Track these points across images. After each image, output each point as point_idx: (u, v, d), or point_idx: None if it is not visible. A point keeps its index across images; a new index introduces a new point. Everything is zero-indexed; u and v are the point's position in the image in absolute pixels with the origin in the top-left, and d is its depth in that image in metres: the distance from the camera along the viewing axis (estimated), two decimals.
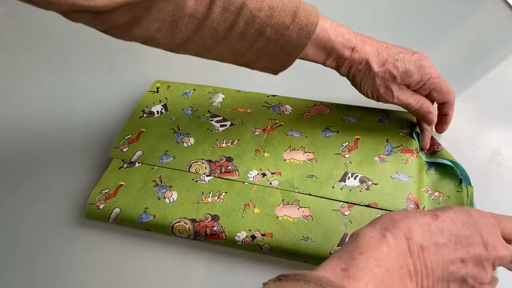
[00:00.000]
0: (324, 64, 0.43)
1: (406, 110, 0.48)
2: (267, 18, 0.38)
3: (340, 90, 0.48)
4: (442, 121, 0.45)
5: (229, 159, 0.46)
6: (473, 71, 0.55)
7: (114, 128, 0.52)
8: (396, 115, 0.48)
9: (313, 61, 0.42)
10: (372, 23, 0.63)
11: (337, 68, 0.43)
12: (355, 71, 0.42)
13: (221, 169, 0.45)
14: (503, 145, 0.47)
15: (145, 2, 0.34)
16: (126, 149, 0.48)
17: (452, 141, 0.47)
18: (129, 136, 0.49)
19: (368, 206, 0.40)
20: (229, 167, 0.45)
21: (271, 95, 0.52)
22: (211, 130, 0.49)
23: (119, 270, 0.42)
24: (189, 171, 0.45)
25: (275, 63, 0.41)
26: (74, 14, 0.33)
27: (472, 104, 0.51)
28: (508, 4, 0.61)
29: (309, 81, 0.54)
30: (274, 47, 0.39)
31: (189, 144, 0.48)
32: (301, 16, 0.38)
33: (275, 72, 0.43)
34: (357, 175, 0.43)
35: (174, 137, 0.49)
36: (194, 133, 0.49)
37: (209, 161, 0.46)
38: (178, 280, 0.41)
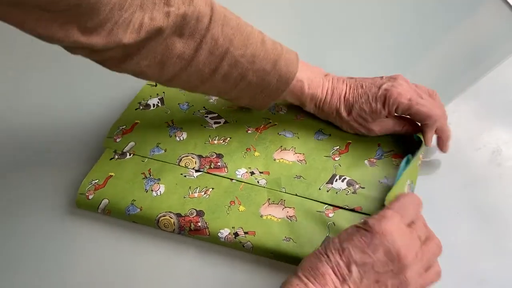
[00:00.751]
0: (303, 108, 0.47)
1: None
2: (250, 64, 0.41)
3: None
4: (439, 142, 0.44)
5: (219, 156, 0.46)
6: (473, 71, 0.54)
7: (109, 120, 0.52)
8: None
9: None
10: (372, 23, 0.63)
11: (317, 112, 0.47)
12: (331, 119, 0.46)
13: (211, 164, 0.45)
14: (503, 145, 0.47)
15: (138, 43, 0.38)
16: (120, 139, 0.49)
17: (452, 141, 0.46)
18: (124, 126, 0.50)
19: (352, 210, 0.40)
20: (219, 164, 0.45)
21: None
22: (205, 126, 0.49)
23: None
24: (179, 165, 0.46)
25: (256, 102, 0.45)
26: (75, 49, 0.38)
27: (472, 104, 0.51)
28: (508, 4, 0.60)
29: None
30: (256, 90, 0.43)
31: (181, 138, 0.48)
32: (281, 65, 0.42)
33: (258, 109, 0.47)
34: (345, 178, 0.42)
35: (168, 130, 0.49)
36: (187, 127, 0.49)
37: (200, 156, 0.46)
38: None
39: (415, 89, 0.43)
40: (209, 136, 0.48)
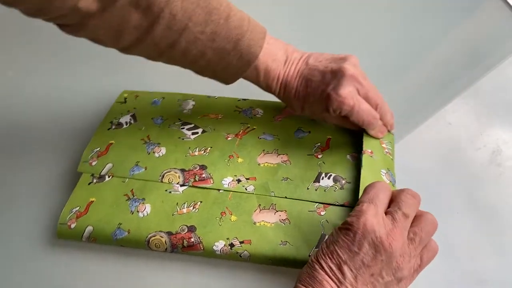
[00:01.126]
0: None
1: None
2: (209, 41, 0.40)
3: None
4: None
5: (203, 167, 0.45)
6: (473, 70, 0.55)
7: (81, 142, 0.50)
8: None
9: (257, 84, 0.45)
10: (372, 23, 0.63)
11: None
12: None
13: (195, 177, 0.44)
14: (503, 145, 0.47)
15: (94, 11, 0.36)
16: (95, 162, 0.47)
17: (452, 141, 0.47)
18: (98, 149, 0.48)
19: (342, 205, 0.41)
20: (203, 175, 0.44)
21: (242, 99, 0.51)
22: (183, 139, 0.48)
23: None
24: (162, 182, 0.44)
25: (218, 79, 0.44)
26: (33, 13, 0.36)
27: (472, 103, 0.51)
28: (508, 4, 0.61)
29: None
30: (216, 67, 0.42)
31: (161, 154, 0.47)
32: (243, 45, 0.41)
33: (225, 83, 0.45)
34: (330, 175, 0.43)
35: (145, 147, 0.48)
36: (165, 142, 0.48)
37: (182, 170, 0.45)
38: None
39: (359, 87, 0.42)
40: (189, 148, 0.47)
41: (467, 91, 0.52)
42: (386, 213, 0.34)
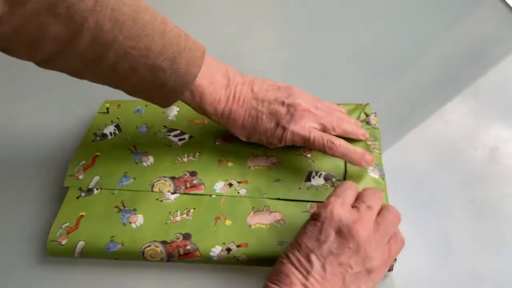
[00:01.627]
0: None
1: (356, 104, 0.49)
2: (142, 57, 0.37)
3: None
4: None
5: (193, 174, 0.45)
6: (471, 70, 0.55)
7: (66, 156, 0.49)
8: (349, 108, 0.49)
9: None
10: (371, 23, 0.63)
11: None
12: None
13: (186, 184, 0.44)
14: (501, 144, 0.47)
15: (3, 15, 0.33)
16: (82, 175, 0.46)
17: (451, 140, 0.47)
18: (84, 162, 0.47)
19: None
20: (194, 182, 0.44)
21: None
22: (170, 146, 0.48)
23: None
24: (152, 191, 0.44)
25: (152, 100, 0.41)
26: None
27: (471, 103, 0.52)
28: (506, 3, 0.62)
29: None
30: (149, 87, 0.39)
31: (149, 163, 0.46)
32: (181, 63, 0.38)
33: (160, 106, 0.42)
34: (321, 173, 0.43)
35: (132, 157, 0.47)
36: (152, 150, 0.47)
37: (173, 178, 0.45)
38: None
39: (317, 118, 0.42)
40: (177, 155, 0.47)
41: (466, 90, 0.52)
42: (352, 207, 0.35)
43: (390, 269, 0.38)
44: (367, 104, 0.49)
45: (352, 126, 0.44)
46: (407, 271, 0.39)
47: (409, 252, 0.40)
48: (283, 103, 0.42)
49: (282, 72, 0.57)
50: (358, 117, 0.48)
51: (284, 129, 0.41)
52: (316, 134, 0.41)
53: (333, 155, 0.41)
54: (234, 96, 0.42)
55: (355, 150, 0.41)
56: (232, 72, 0.43)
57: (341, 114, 0.45)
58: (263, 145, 0.44)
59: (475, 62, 0.56)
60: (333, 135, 0.42)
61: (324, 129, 0.43)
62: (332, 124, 0.43)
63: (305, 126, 0.42)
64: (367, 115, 0.48)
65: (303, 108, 0.42)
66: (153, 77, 0.38)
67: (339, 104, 0.49)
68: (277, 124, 0.42)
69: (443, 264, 0.39)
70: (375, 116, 0.48)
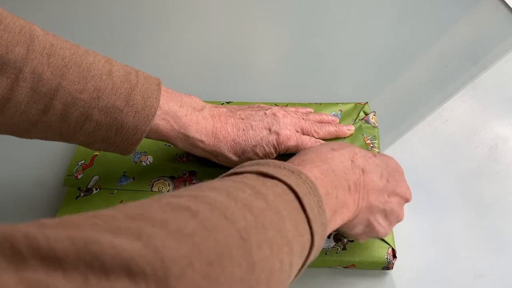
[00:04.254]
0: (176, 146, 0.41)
1: (355, 103, 0.49)
2: (93, 100, 0.33)
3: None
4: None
5: (192, 173, 0.45)
6: (470, 69, 0.55)
7: (65, 155, 0.49)
8: (348, 108, 0.49)
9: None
10: (370, 22, 0.63)
11: None
12: (211, 158, 0.42)
13: (185, 184, 0.44)
14: (500, 142, 0.48)
15: None
16: (81, 175, 0.46)
17: (450, 138, 0.47)
18: (82, 161, 0.47)
19: None
20: (194, 181, 0.44)
21: (225, 102, 0.51)
22: (169, 145, 0.47)
23: None
24: (151, 191, 0.44)
25: (114, 148, 0.37)
26: None
27: (470, 101, 0.52)
28: (504, 2, 0.62)
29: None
30: (108, 132, 0.35)
31: (148, 163, 0.46)
32: (137, 99, 0.35)
33: (122, 154, 0.38)
34: None
35: (131, 157, 0.47)
36: (151, 150, 0.47)
37: (172, 178, 0.44)
38: None
39: (296, 121, 0.43)
40: (176, 154, 0.47)
41: (465, 89, 0.53)
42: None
43: (390, 268, 0.38)
44: (366, 103, 0.49)
45: (332, 126, 0.45)
46: (406, 269, 0.39)
47: (408, 250, 0.40)
48: (265, 114, 0.42)
49: (282, 72, 0.57)
50: (357, 116, 0.48)
51: (278, 133, 0.41)
52: (305, 138, 0.43)
53: (322, 137, 0.44)
54: (212, 116, 0.40)
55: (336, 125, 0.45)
56: (198, 99, 0.41)
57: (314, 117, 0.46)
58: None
59: (473, 60, 0.56)
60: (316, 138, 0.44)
61: (306, 133, 0.43)
62: (312, 128, 0.44)
63: (293, 130, 0.42)
64: (366, 114, 0.48)
65: (283, 115, 0.42)
66: (110, 119, 0.34)
67: (338, 104, 0.49)
68: (269, 130, 0.41)
69: (443, 262, 0.39)
70: (374, 115, 0.48)
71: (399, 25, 0.63)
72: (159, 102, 0.36)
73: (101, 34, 0.64)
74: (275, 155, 0.42)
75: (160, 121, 0.37)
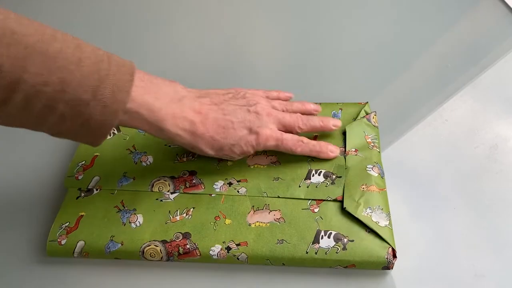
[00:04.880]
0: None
1: (357, 103, 0.49)
2: (58, 93, 0.32)
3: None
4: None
5: (193, 173, 0.45)
6: (470, 68, 0.55)
7: (65, 156, 0.49)
8: (349, 108, 0.49)
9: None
10: (370, 22, 0.63)
11: None
12: (189, 149, 0.41)
13: (185, 184, 0.44)
14: (500, 142, 0.48)
15: None
16: (82, 176, 0.46)
17: (449, 138, 0.47)
18: (83, 162, 0.47)
19: (335, 200, 0.41)
20: (194, 181, 0.44)
21: None
22: (170, 146, 0.48)
23: None
24: (152, 191, 0.44)
25: (80, 139, 0.36)
26: None
27: (470, 101, 0.52)
28: (504, 2, 0.62)
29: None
30: (73, 125, 0.34)
31: (148, 163, 0.46)
32: (105, 93, 0.33)
33: (91, 145, 0.37)
34: (321, 171, 0.43)
35: (131, 157, 0.47)
36: (151, 151, 0.47)
37: (172, 178, 0.45)
38: None
39: (280, 118, 0.42)
40: (177, 154, 0.47)
41: (465, 89, 0.53)
42: None
43: (390, 268, 0.38)
44: (367, 103, 0.49)
45: (318, 120, 0.44)
46: (407, 269, 0.39)
47: (408, 250, 0.40)
48: (248, 110, 0.42)
49: (282, 72, 0.58)
50: (358, 116, 0.48)
51: (258, 134, 0.41)
52: (286, 136, 0.42)
53: (302, 153, 0.43)
54: (193, 109, 0.39)
55: (318, 143, 0.43)
56: (180, 87, 0.40)
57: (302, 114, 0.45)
58: (232, 157, 0.42)
59: (473, 60, 0.56)
60: (300, 134, 0.43)
61: (289, 130, 0.43)
62: (297, 123, 0.43)
63: (274, 129, 0.42)
64: (366, 114, 0.48)
65: (267, 113, 0.42)
66: (75, 112, 0.33)
67: (338, 104, 0.49)
68: (250, 130, 0.41)
69: (443, 262, 0.39)
70: (374, 115, 0.48)
71: (399, 25, 0.63)
72: (129, 96, 0.34)
73: (101, 34, 0.64)
74: (252, 153, 0.42)
75: (131, 114, 0.35)
